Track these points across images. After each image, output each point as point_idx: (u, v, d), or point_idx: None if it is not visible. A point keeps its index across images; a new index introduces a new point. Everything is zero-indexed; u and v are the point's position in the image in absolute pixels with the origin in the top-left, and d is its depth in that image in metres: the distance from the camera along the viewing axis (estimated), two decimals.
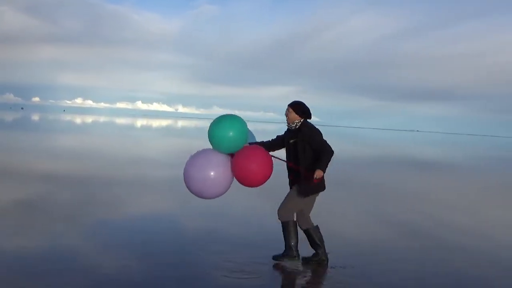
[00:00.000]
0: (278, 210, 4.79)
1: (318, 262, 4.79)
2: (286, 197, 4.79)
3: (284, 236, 4.78)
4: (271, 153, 4.67)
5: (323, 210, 7.92)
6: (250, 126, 4.74)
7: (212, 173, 4.21)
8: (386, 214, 7.89)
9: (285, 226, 4.77)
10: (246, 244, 5.42)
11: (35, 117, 59.33)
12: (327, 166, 4.55)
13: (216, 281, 4.27)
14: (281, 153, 4.90)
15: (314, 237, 4.76)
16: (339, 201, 8.74)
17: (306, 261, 4.82)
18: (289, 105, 4.78)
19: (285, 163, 4.80)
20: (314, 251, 4.81)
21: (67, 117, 65.75)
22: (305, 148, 4.62)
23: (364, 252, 5.44)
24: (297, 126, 4.71)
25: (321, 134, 4.73)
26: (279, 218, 4.78)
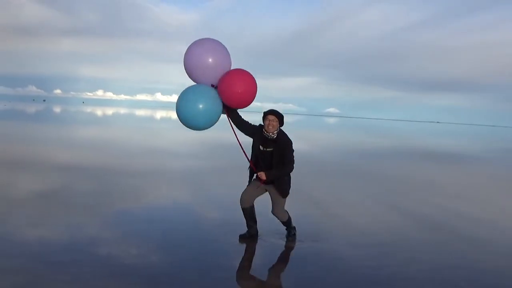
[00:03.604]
0: (277, 214, 5.13)
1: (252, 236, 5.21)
2: (276, 203, 5.05)
3: (289, 225, 5.31)
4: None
5: (340, 200, 7.89)
6: None
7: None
8: (403, 205, 7.78)
9: (289, 221, 5.26)
10: (265, 234, 5.41)
11: (57, 109, 60.40)
12: (273, 178, 4.79)
13: (236, 272, 4.29)
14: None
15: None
16: (357, 192, 8.68)
17: (243, 236, 5.19)
18: (273, 114, 4.77)
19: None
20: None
21: (87, 109, 66.67)
22: (279, 156, 4.76)
23: (379, 243, 5.41)
24: (274, 136, 4.78)
25: (292, 148, 4.86)
26: (282, 219, 5.19)
